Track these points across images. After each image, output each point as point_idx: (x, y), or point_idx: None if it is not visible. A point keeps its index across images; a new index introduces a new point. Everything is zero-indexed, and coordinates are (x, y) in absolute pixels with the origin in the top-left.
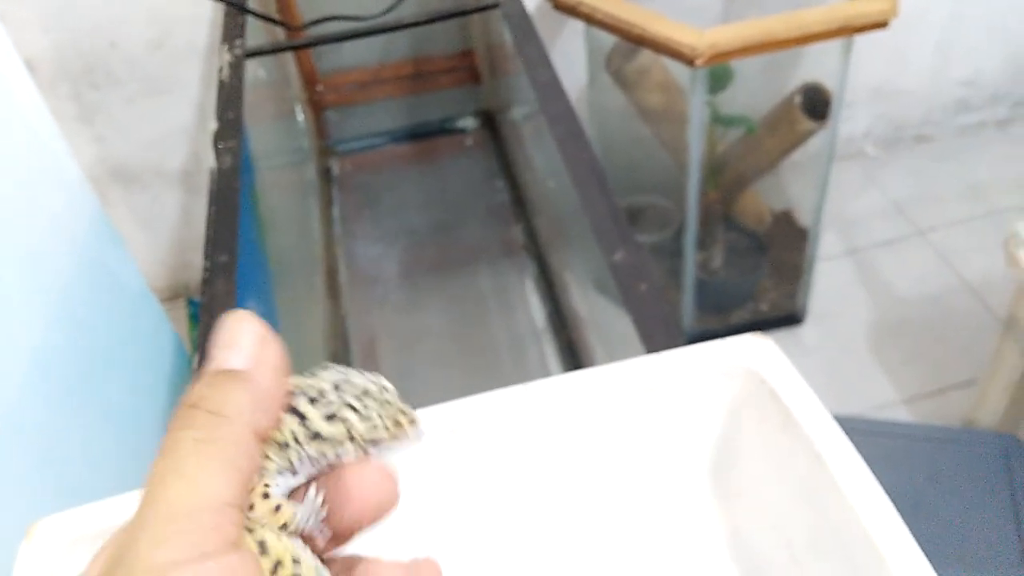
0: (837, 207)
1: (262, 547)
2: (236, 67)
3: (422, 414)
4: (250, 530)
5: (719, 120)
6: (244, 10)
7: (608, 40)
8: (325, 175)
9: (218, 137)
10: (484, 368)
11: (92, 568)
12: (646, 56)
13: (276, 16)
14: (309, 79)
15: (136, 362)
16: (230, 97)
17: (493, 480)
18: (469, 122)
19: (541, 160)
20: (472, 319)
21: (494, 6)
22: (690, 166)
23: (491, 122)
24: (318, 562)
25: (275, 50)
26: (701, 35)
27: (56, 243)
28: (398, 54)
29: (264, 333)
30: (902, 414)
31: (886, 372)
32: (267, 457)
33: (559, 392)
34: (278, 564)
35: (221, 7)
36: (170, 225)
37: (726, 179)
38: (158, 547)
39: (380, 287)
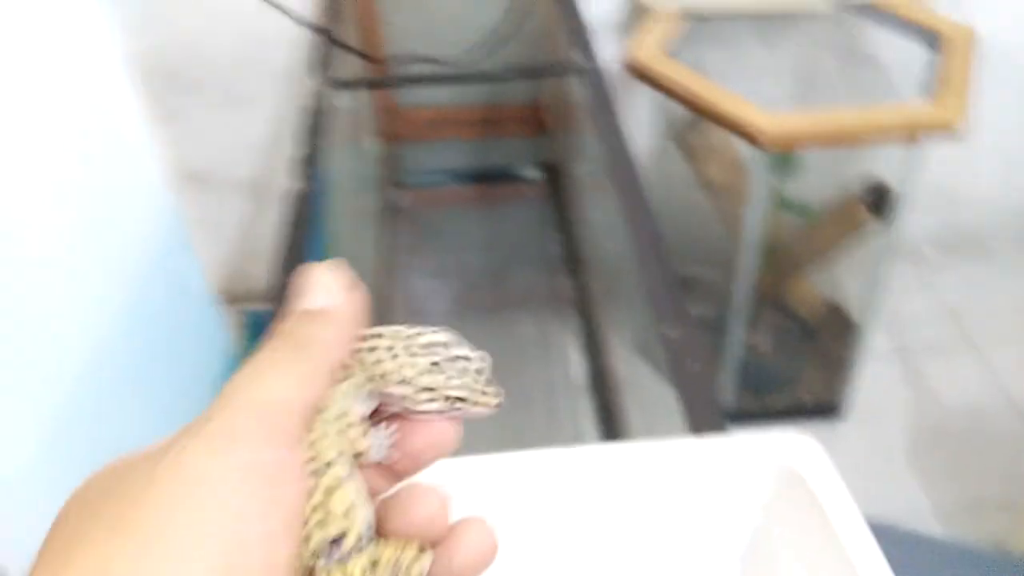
0: (890, 305)
1: (316, 454)
2: (320, 96)
3: (456, 463)
4: (312, 443)
5: (780, 204)
6: (333, 41)
7: (679, 110)
8: (389, 205)
9: (297, 163)
10: (517, 416)
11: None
12: (715, 131)
13: (362, 50)
14: (385, 111)
15: (192, 362)
16: (312, 125)
17: (522, 539)
18: (532, 172)
19: (599, 219)
20: (512, 365)
21: (576, 68)
22: (746, 245)
23: (553, 174)
24: (365, 486)
25: (358, 84)
26: (771, 118)
27: (132, 238)
28: (472, 98)
29: (349, 280)
30: (933, 525)
31: (921, 479)
32: (349, 383)
33: (601, 460)
34: (328, 464)
35: (306, 31)
36: (233, 233)
37: (781, 263)
38: (223, 428)
39: (428, 320)
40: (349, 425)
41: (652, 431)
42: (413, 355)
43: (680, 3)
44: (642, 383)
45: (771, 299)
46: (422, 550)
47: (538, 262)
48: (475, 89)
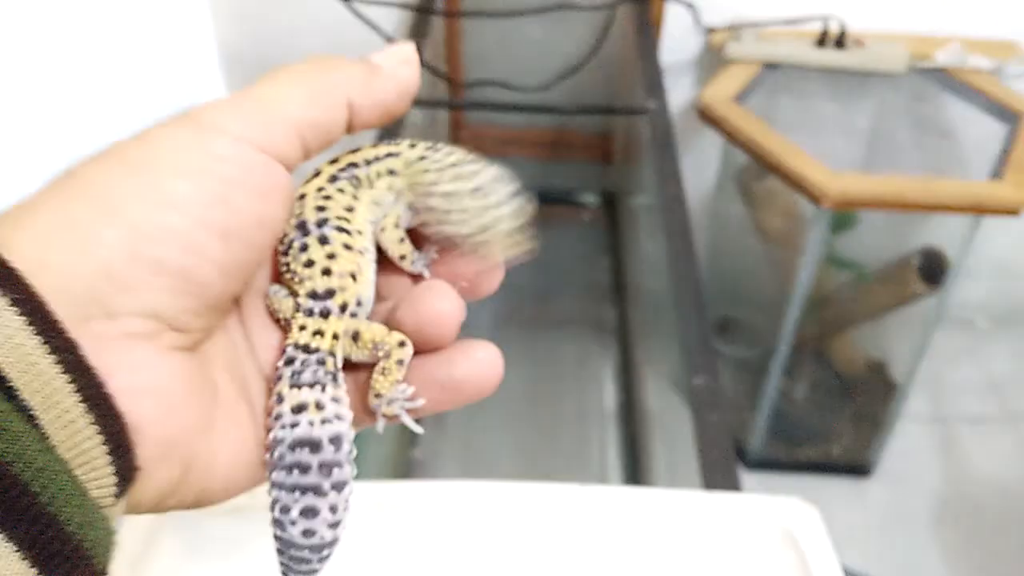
0: (933, 369)
1: (349, 218)
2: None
3: (468, 485)
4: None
5: (833, 261)
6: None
7: (743, 156)
8: None
9: None
10: (544, 437)
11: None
12: (775, 181)
13: (443, 71)
14: (457, 127)
15: None
16: (388, 137)
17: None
18: (591, 198)
19: (647, 254)
20: (547, 387)
21: (643, 111)
22: (794, 295)
23: (611, 203)
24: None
25: (438, 105)
26: (832, 177)
27: None
28: (543, 122)
29: (409, 58)
30: None
31: (942, 550)
32: (393, 188)
33: (605, 503)
34: (358, 232)
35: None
36: None
37: (827, 317)
38: (225, 114)
39: (470, 334)
40: (395, 225)
41: (674, 467)
42: (458, 179)
43: (755, 51)
44: (673, 418)
45: (813, 350)
46: (403, 344)
47: (585, 287)
48: (548, 115)
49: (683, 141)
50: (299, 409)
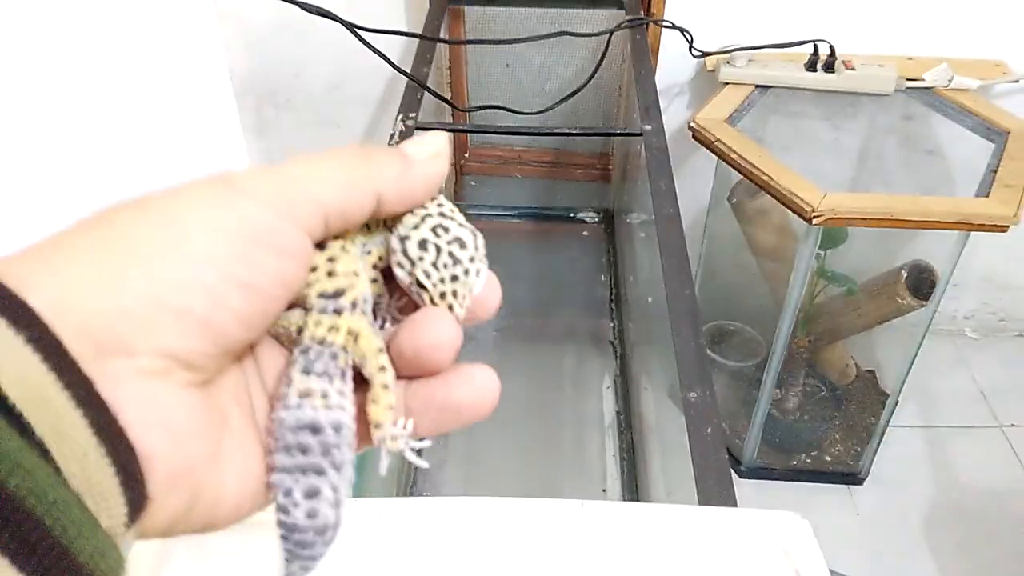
0: (922, 379)
1: (331, 256)
2: (406, 136)
3: (468, 502)
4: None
5: (824, 275)
6: (424, 87)
7: (735, 174)
8: None
9: None
10: (545, 447)
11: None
12: (767, 199)
13: (447, 96)
14: (460, 148)
15: None
16: None
17: None
18: (590, 215)
19: (644, 269)
20: (547, 398)
21: (637, 134)
22: (786, 307)
23: (610, 220)
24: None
25: (441, 128)
26: (823, 196)
27: None
28: (543, 143)
29: (442, 150)
30: None
31: (932, 555)
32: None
33: (603, 519)
34: (331, 259)
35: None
36: None
37: (818, 328)
38: (258, 181)
39: (472, 345)
40: (372, 266)
41: (672, 476)
42: (436, 229)
43: (747, 74)
44: (670, 428)
45: (805, 361)
46: (383, 369)
47: (584, 301)
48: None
49: (678, 160)
50: (305, 395)
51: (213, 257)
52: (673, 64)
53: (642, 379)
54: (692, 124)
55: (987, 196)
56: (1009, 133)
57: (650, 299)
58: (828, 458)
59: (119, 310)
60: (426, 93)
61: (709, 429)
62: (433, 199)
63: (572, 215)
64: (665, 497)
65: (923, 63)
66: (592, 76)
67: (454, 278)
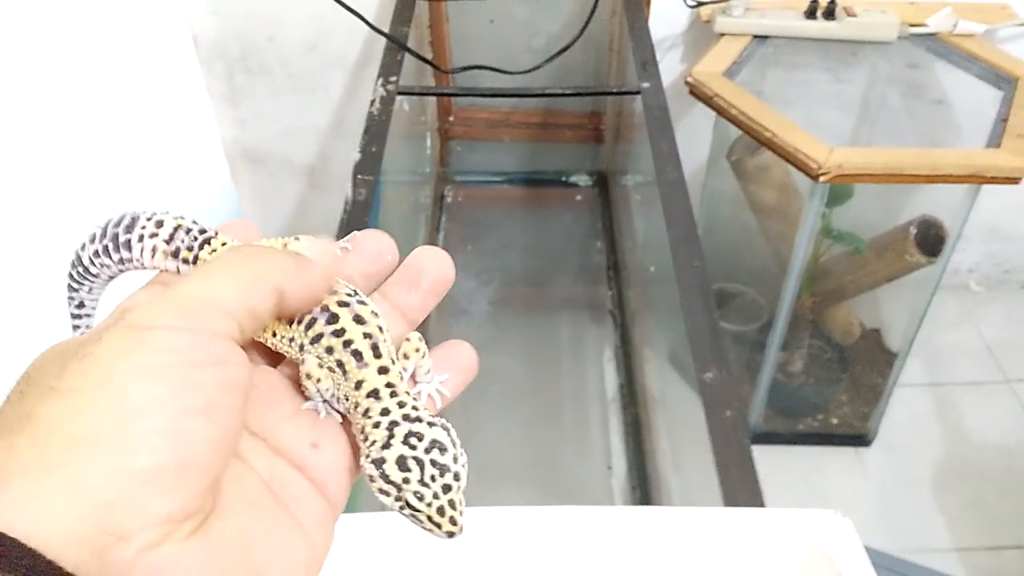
0: (928, 336)
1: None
2: (387, 102)
3: (481, 512)
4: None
5: (829, 233)
6: (405, 48)
7: (735, 131)
8: (438, 200)
9: (358, 170)
10: (547, 421)
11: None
12: (769, 155)
13: (430, 58)
14: (444, 110)
15: None
16: (377, 131)
17: None
18: (583, 179)
19: (643, 232)
20: (546, 370)
21: (635, 92)
22: (791, 268)
23: (604, 183)
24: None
25: (424, 93)
26: (830, 152)
27: (184, 206)
28: (531, 103)
29: (328, 247)
30: (952, 562)
31: (944, 515)
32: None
33: (632, 524)
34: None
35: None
36: (286, 213)
37: (823, 288)
38: (143, 318)
39: (465, 319)
40: (317, 379)
41: (678, 447)
42: (408, 439)
43: (744, 24)
44: (673, 395)
45: (810, 322)
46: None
47: (581, 270)
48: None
49: (674, 117)
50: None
51: (156, 401)
52: (666, 15)
53: (645, 350)
54: (689, 79)
55: (998, 147)
56: (1018, 79)
57: (652, 268)
58: (835, 420)
59: (96, 506)
60: (407, 55)
61: (728, 412)
62: (334, 293)
63: (564, 179)
64: (673, 474)
65: (926, 8)
66: (583, 31)
67: (447, 488)
